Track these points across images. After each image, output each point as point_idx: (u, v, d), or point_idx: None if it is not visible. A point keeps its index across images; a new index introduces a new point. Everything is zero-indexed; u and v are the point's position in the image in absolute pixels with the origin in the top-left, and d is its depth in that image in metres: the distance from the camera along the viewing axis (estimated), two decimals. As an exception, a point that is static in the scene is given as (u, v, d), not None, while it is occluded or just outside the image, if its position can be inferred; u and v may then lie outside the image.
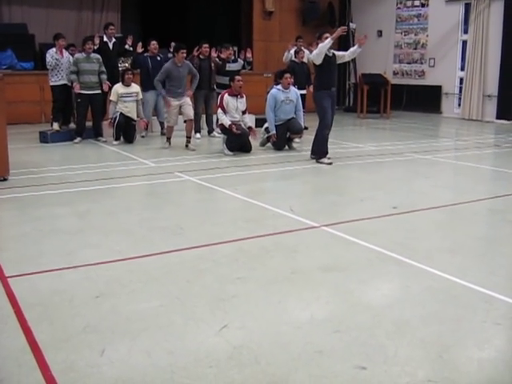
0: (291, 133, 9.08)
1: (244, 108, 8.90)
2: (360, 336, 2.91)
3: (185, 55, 9.08)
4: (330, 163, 7.82)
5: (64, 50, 9.88)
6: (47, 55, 9.76)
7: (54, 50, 9.75)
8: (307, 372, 2.58)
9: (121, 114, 9.44)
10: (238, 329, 2.99)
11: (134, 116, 9.68)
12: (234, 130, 8.45)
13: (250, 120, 9.28)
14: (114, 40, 10.43)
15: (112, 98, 9.53)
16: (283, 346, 2.81)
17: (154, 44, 10.42)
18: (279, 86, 9.00)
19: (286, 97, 8.93)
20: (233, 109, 8.69)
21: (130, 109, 9.57)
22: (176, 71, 8.99)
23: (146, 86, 10.19)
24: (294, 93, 9.08)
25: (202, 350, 2.76)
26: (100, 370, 2.58)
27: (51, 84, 9.95)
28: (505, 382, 2.56)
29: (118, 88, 9.55)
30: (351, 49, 8.04)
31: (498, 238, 4.82)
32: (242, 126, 8.76)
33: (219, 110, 8.70)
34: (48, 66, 9.78)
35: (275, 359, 2.69)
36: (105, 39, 10.30)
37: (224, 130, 8.66)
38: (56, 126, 10.02)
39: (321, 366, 2.64)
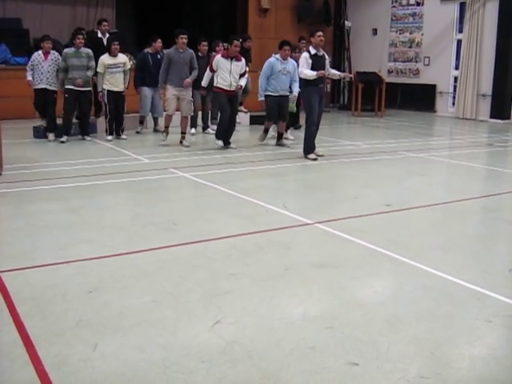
0: (278, 119, 8.99)
1: (242, 71, 8.72)
2: (352, 332, 2.92)
3: (185, 41, 8.78)
4: (315, 159, 7.85)
5: (52, 52, 9.25)
6: (32, 57, 9.27)
7: (39, 52, 9.22)
8: (299, 367, 2.59)
9: (108, 94, 9.17)
10: (230, 324, 2.99)
11: (122, 87, 9.38)
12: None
13: (244, 82, 9.02)
14: (107, 35, 10.36)
15: (99, 69, 9.16)
16: (276, 341, 2.82)
17: (159, 42, 10.30)
18: (278, 56, 8.88)
19: (284, 67, 8.81)
20: (225, 70, 8.49)
21: (117, 80, 9.26)
22: (177, 56, 8.73)
23: (145, 83, 10.11)
24: (292, 64, 8.91)
25: (194, 345, 2.76)
26: (92, 365, 2.58)
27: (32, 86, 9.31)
28: (496, 379, 2.57)
29: (105, 59, 9.21)
30: (334, 71, 8.43)
31: (491, 236, 4.85)
32: (237, 120, 8.66)
33: (207, 72, 8.73)
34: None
35: (268, 355, 2.69)
36: (99, 35, 10.23)
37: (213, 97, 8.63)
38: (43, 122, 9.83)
39: (313, 361, 2.64)
